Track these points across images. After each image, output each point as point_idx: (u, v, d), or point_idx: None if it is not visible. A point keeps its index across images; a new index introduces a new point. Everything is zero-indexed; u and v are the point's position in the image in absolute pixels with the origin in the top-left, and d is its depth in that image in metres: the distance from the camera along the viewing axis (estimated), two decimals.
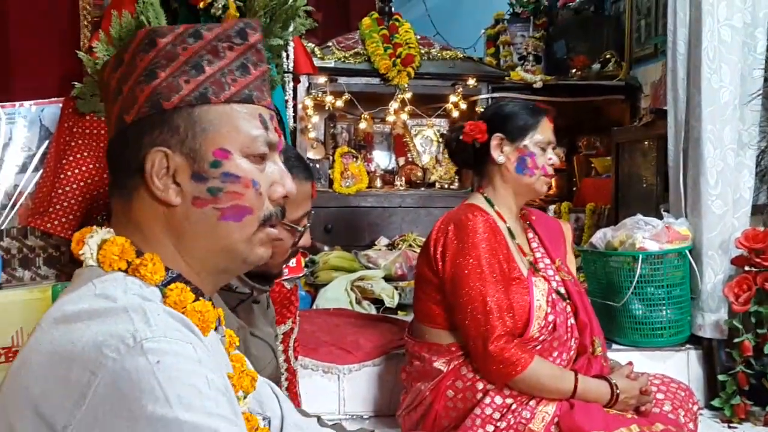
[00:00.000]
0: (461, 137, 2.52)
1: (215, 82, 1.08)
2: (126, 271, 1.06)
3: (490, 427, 2.30)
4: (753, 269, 2.91)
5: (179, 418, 0.89)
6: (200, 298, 1.09)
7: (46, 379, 0.93)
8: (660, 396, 2.45)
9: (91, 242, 1.08)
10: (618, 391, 2.34)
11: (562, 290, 2.49)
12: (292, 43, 2.70)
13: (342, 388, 2.92)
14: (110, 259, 1.05)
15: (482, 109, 4.37)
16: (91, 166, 2.32)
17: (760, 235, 2.90)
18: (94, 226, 1.11)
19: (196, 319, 1.04)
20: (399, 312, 3.59)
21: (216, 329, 1.15)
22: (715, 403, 2.95)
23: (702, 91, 3.05)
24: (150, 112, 1.06)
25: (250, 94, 1.10)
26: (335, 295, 3.70)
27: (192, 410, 0.90)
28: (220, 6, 2.26)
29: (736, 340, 2.90)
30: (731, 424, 2.84)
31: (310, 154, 4.57)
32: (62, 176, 2.34)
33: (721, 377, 2.96)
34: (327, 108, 4.62)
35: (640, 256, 2.99)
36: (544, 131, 2.47)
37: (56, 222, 2.30)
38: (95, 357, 0.91)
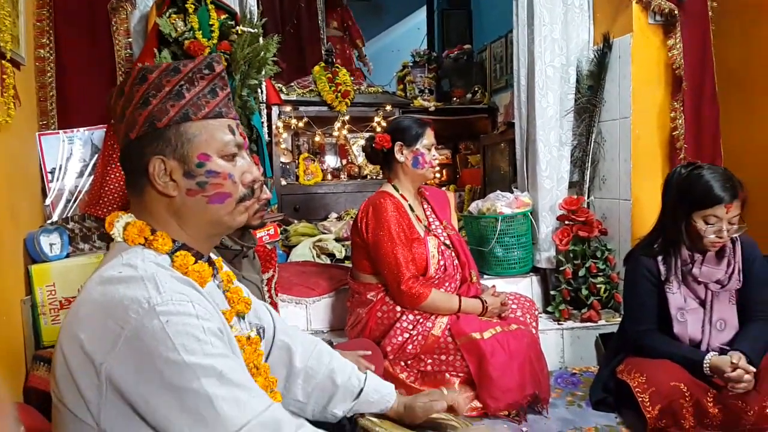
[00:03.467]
0: (374, 145, 2.51)
1: (194, 104, 1.04)
2: (144, 245, 1.03)
3: (406, 334, 2.32)
4: (570, 223, 2.97)
5: (185, 361, 0.89)
6: (199, 260, 1.06)
7: (89, 326, 0.92)
8: (514, 306, 2.51)
9: (118, 225, 1.05)
10: (487, 305, 2.39)
11: (448, 242, 2.52)
12: (264, 83, 2.65)
13: (309, 313, 2.90)
14: (132, 237, 1.03)
15: None
16: None
17: (574, 201, 2.97)
18: (120, 213, 1.07)
19: (196, 277, 1.03)
20: (346, 261, 3.58)
21: (214, 277, 1.13)
22: (549, 309, 3.01)
23: (536, 109, 3.08)
24: (148, 130, 1.02)
25: (220, 111, 1.06)
26: (302, 252, 3.67)
27: (195, 354, 0.90)
28: None
29: (561, 268, 2.97)
30: (559, 322, 2.89)
31: (282, 159, 4.50)
32: (107, 178, 2.27)
33: (552, 293, 3.02)
34: (292, 127, 4.56)
35: (500, 218, 3.03)
36: (428, 137, 2.47)
37: (105, 209, 2.24)
38: (123, 315, 0.90)
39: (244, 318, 1.19)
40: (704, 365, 2.02)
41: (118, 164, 2.25)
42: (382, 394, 1.37)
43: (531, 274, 3.16)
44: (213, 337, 0.94)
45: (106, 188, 2.25)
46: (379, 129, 4.62)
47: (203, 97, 1.05)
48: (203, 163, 1.03)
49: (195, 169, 1.03)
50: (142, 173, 1.03)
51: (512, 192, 3.19)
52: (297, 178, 4.51)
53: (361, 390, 1.34)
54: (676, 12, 2.79)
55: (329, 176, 4.68)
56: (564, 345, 2.81)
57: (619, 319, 2.62)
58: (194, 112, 1.04)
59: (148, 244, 1.03)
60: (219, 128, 1.05)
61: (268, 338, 1.32)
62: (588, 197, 3.11)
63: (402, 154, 2.45)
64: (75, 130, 2.42)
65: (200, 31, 2.22)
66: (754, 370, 1.96)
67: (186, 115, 1.03)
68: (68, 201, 2.36)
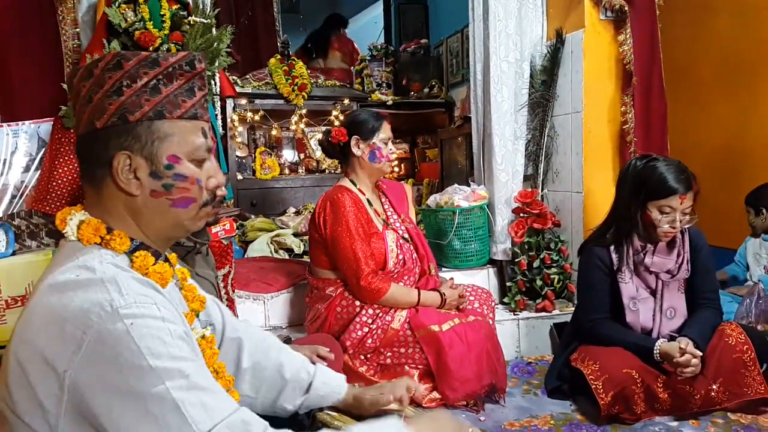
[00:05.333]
0: (330, 139, 2.49)
1: (169, 102, 0.98)
2: (100, 245, 0.97)
3: (366, 329, 2.31)
4: (525, 215, 3.00)
5: (150, 365, 0.85)
6: (159, 260, 1.02)
7: (48, 334, 0.87)
8: (471, 298, 2.53)
9: (72, 223, 0.99)
10: (445, 297, 2.41)
11: (407, 236, 2.52)
12: (218, 75, 2.59)
13: (267, 309, 2.86)
14: (87, 236, 0.97)
15: None
16: (75, 165, 2.17)
17: (528, 193, 3.01)
18: (72, 209, 1.01)
19: (157, 278, 0.99)
20: (304, 256, 3.54)
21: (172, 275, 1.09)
22: (505, 300, 3.03)
23: (491, 103, 3.09)
24: (117, 122, 0.96)
25: (196, 113, 1.02)
26: (260, 247, 3.61)
27: (160, 357, 0.86)
28: (164, 50, 2.14)
29: (516, 260, 2.99)
30: (515, 313, 2.92)
31: (238, 153, 4.42)
32: (55, 173, 2.18)
33: (508, 284, 3.05)
34: (248, 121, 4.48)
35: (457, 211, 3.04)
36: (385, 131, 2.46)
37: (52, 205, 2.16)
38: (83, 319, 0.85)
39: (198, 316, 1.16)
40: (654, 351, 2.08)
41: (66, 159, 2.17)
42: (332, 386, 1.35)
43: (488, 266, 3.18)
44: (179, 340, 0.90)
45: (54, 183, 2.17)
46: (336, 123, 4.59)
47: (180, 95, 1.00)
48: (172, 166, 0.99)
49: (163, 170, 0.98)
50: (104, 166, 0.98)
51: (469, 185, 3.21)
52: (254, 172, 4.44)
53: (311, 384, 1.32)
54: (626, 8, 2.85)
55: (287, 170, 4.62)
56: (520, 335, 2.85)
57: (573, 309, 2.66)
58: (169, 110, 0.99)
59: (105, 244, 0.98)
60: (192, 130, 1.01)
61: (218, 333, 1.29)
62: (542, 190, 3.15)
63: (359, 148, 2.43)
64: (20, 123, 2.32)
65: (151, 22, 2.15)
66: (701, 354, 2.03)
67: (160, 112, 0.98)
68: (14, 197, 2.27)
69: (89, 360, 0.84)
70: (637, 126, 2.88)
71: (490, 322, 2.46)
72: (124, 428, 0.85)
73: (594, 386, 2.08)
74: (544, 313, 2.88)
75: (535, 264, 2.93)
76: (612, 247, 2.24)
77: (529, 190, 3.04)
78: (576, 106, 2.99)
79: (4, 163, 2.29)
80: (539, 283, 2.92)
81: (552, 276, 2.91)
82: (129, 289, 0.89)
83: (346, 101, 4.60)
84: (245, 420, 0.91)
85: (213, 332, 1.24)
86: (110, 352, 0.84)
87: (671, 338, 2.11)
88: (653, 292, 2.21)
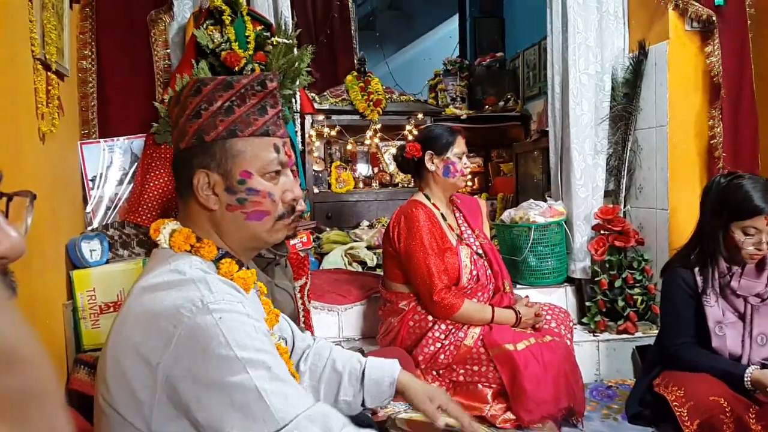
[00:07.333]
0: (404, 154, 2.50)
1: (242, 121, 1.05)
2: (190, 252, 1.05)
3: (438, 344, 2.31)
4: (606, 232, 2.92)
5: (237, 356, 0.90)
6: (242, 267, 1.09)
7: (142, 330, 0.94)
8: (548, 317, 2.47)
9: (165, 231, 1.07)
10: (521, 316, 2.36)
11: (480, 251, 2.50)
12: (298, 93, 2.69)
13: (341, 321, 2.91)
14: (179, 244, 1.05)
15: None
16: (165, 179, 2.31)
17: (609, 210, 2.93)
18: (165, 220, 1.10)
19: (241, 283, 1.05)
20: (377, 269, 3.58)
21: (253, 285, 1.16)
22: (584, 320, 2.96)
23: (570, 116, 3.05)
24: (196, 143, 1.05)
25: (267, 129, 1.08)
26: (334, 259, 3.68)
27: (246, 349, 0.91)
28: (249, 69, 2.24)
29: (596, 278, 2.92)
30: (595, 334, 2.85)
31: (315, 167, 4.54)
32: (146, 186, 2.32)
33: (587, 303, 2.97)
34: (325, 136, 4.60)
35: (533, 227, 3.00)
36: (459, 145, 2.45)
37: (144, 217, 2.29)
38: (175, 315, 0.92)
39: (272, 329, 1.22)
40: (745, 379, 1.96)
41: (157, 173, 2.31)
42: (384, 369, 1.32)
43: (565, 284, 3.12)
44: (262, 335, 0.96)
45: (145, 196, 2.31)
46: (410, 137, 4.63)
47: (252, 114, 1.06)
48: (244, 181, 1.05)
49: (236, 185, 1.05)
50: (188, 184, 1.06)
51: (546, 200, 3.16)
52: (329, 186, 4.55)
53: (364, 371, 1.31)
54: (713, 18, 2.74)
55: (361, 184, 4.70)
56: (599, 357, 2.76)
57: (657, 331, 2.56)
58: (241, 129, 1.05)
59: (195, 251, 1.05)
60: (264, 146, 1.07)
61: (290, 347, 1.35)
62: (624, 206, 3.06)
63: (433, 163, 2.43)
64: (115, 139, 2.49)
65: (236, 43, 2.26)
66: None
67: (233, 131, 1.04)
68: (108, 208, 2.43)
69: (180, 352, 0.90)
70: (725, 141, 2.75)
71: (568, 343, 2.40)
72: (213, 417, 0.90)
73: (678, 413, 1.98)
74: (625, 335, 2.79)
75: (617, 283, 2.84)
76: (696, 269, 2.14)
77: (611, 206, 2.96)
78: (660, 119, 2.89)
79: (101, 177, 2.45)
80: (621, 303, 2.82)
81: (635, 296, 2.81)
82: (217, 288, 0.96)
83: (420, 116, 4.63)
84: (325, 413, 0.95)
85: (286, 345, 1.29)
86: (200, 344, 0.90)
87: (764, 366, 1.99)
88: (742, 317, 2.09)
